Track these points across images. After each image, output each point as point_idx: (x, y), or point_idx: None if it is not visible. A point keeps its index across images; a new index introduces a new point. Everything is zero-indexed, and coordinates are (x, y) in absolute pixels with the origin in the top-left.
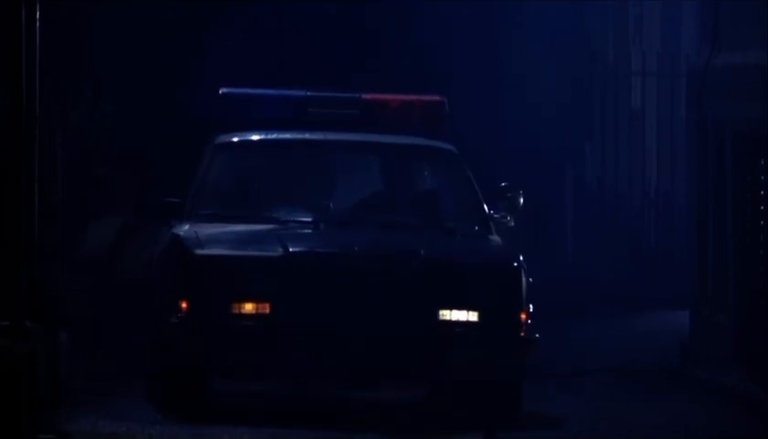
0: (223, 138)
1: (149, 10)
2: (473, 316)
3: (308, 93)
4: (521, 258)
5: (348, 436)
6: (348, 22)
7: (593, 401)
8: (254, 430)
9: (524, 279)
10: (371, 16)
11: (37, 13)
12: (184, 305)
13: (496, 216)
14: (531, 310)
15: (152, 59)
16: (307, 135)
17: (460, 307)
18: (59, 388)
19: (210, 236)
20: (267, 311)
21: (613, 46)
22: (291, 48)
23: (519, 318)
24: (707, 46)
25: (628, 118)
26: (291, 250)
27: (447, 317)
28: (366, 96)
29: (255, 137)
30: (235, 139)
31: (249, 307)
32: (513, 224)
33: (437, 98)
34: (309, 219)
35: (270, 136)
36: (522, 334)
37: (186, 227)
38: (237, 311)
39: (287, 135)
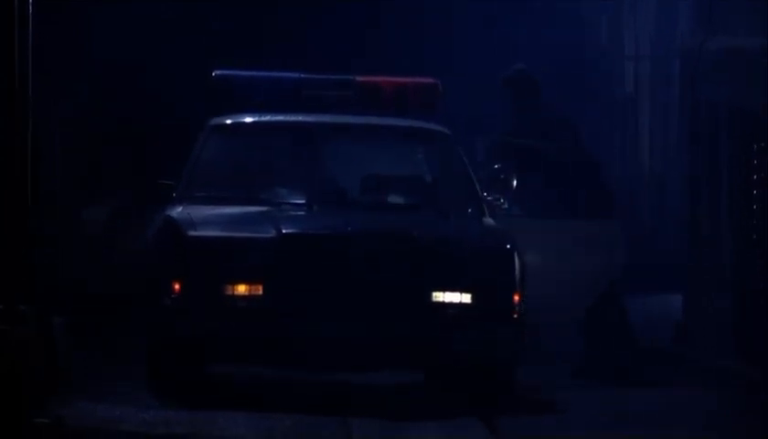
0: (217, 120)
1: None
2: (466, 298)
3: (302, 75)
4: (514, 240)
5: (345, 420)
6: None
7: (591, 386)
8: (250, 414)
9: (517, 261)
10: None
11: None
12: (177, 286)
13: (489, 198)
14: (524, 292)
15: (150, 52)
16: (301, 117)
17: (453, 289)
18: (56, 372)
19: (203, 218)
20: (260, 293)
21: (606, 29)
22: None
23: (513, 300)
24: (701, 28)
25: (622, 102)
26: (284, 231)
27: (440, 299)
28: (359, 78)
29: (249, 119)
30: (228, 121)
31: (242, 289)
32: (507, 206)
33: (431, 80)
34: (302, 201)
35: (263, 118)
36: (515, 316)
37: (180, 208)
38: (230, 293)
39: (281, 117)
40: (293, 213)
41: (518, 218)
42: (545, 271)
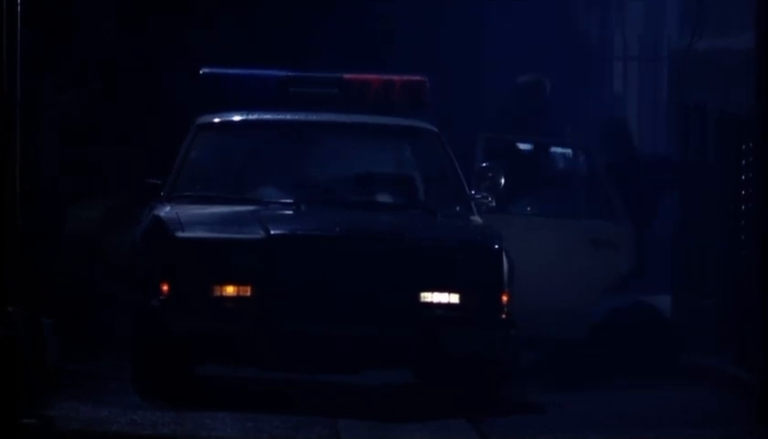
0: (204, 118)
1: None
2: (454, 298)
3: (289, 73)
4: (502, 239)
5: (332, 421)
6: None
7: (579, 386)
8: (237, 414)
9: (505, 260)
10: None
11: None
12: (165, 287)
13: (477, 196)
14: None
15: (137, 39)
16: (288, 116)
17: (441, 289)
18: (43, 373)
19: (191, 218)
20: (248, 294)
21: (595, 29)
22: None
23: (501, 300)
24: (689, 29)
25: (610, 102)
26: (272, 232)
27: (429, 299)
28: (346, 75)
29: (236, 117)
30: (216, 119)
31: (230, 290)
32: (494, 204)
33: (418, 77)
34: (290, 201)
35: (250, 117)
36: (504, 315)
37: (168, 208)
38: (218, 294)
39: (268, 116)
40: (281, 213)
41: (526, 216)
42: (550, 271)
